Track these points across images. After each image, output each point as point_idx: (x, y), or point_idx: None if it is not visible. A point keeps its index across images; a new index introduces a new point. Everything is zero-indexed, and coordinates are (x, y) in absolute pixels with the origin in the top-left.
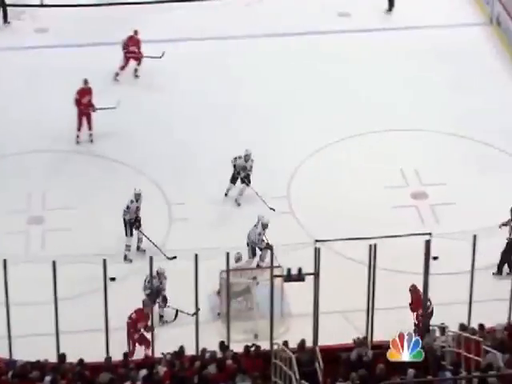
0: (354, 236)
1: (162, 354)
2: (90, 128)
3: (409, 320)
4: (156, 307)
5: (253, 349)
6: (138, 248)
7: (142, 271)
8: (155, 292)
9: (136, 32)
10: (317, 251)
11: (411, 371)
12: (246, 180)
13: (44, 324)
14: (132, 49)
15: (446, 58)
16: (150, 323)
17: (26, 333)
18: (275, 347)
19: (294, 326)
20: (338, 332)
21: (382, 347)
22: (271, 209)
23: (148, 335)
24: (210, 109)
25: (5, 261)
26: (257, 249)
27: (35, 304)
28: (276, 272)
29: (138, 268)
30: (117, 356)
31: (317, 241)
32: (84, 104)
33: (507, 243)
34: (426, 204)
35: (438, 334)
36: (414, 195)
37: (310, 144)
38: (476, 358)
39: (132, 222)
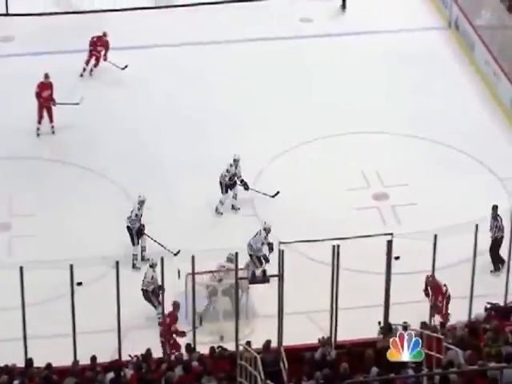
0: (317, 237)
1: (129, 356)
2: (51, 121)
3: (372, 319)
4: None
5: (218, 350)
6: (143, 258)
7: (105, 277)
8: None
9: (105, 34)
10: (281, 253)
11: (374, 369)
12: (243, 184)
13: (11, 329)
14: (99, 49)
15: (406, 62)
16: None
17: None
18: (240, 348)
19: (259, 327)
20: (302, 332)
21: (346, 347)
22: (275, 195)
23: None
24: (178, 112)
25: None
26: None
27: (3, 309)
28: (241, 274)
29: (103, 274)
30: (85, 360)
31: (281, 243)
32: (44, 97)
33: (492, 240)
34: (388, 205)
35: (400, 332)
36: (375, 196)
37: (274, 147)
38: (437, 355)
39: (139, 230)
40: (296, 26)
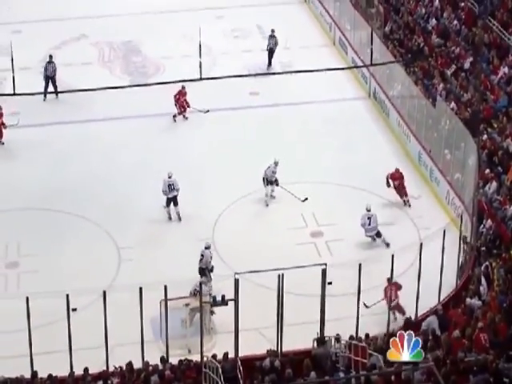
0: (266, 268)
1: (114, 366)
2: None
3: (310, 333)
4: None
5: (185, 362)
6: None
7: (94, 303)
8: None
9: (183, 87)
10: (236, 281)
11: (313, 373)
12: (276, 181)
13: (20, 347)
14: (181, 99)
15: (334, 125)
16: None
17: (4, 355)
18: (205, 359)
19: (220, 341)
20: (254, 345)
21: (289, 356)
22: (304, 199)
23: None
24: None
25: None
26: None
27: (12, 332)
28: (204, 299)
29: (92, 301)
30: (79, 370)
31: (236, 273)
32: None
33: None
34: (322, 241)
35: (333, 342)
36: (312, 234)
37: (227, 197)
38: (362, 360)
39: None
40: (247, 98)
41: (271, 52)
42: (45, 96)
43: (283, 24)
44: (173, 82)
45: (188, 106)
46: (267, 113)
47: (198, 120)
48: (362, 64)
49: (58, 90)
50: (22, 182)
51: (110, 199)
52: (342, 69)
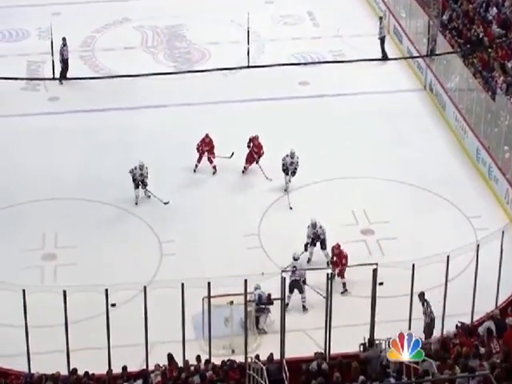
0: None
1: (157, 364)
2: None
3: (359, 335)
4: None
5: (228, 362)
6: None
7: (135, 299)
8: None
9: (207, 135)
10: (283, 280)
11: (361, 378)
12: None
13: (56, 343)
14: (205, 149)
15: (389, 118)
16: None
17: (40, 350)
18: (249, 360)
19: (265, 342)
20: (300, 346)
21: (337, 359)
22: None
23: None
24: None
25: (24, 291)
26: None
27: (49, 326)
28: (249, 297)
29: (133, 296)
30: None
31: (283, 271)
32: None
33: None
34: (373, 239)
35: (383, 346)
36: (363, 232)
37: (274, 191)
38: (414, 365)
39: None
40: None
41: (383, 41)
42: (61, 81)
43: (335, 11)
44: (219, 70)
45: (214, 157)
46: (316, 103)
47: (243, 110)
48: (417, 54)
49: (98, 75)
50: (60, 170)
51: (151, 191)
52: (396, 59)
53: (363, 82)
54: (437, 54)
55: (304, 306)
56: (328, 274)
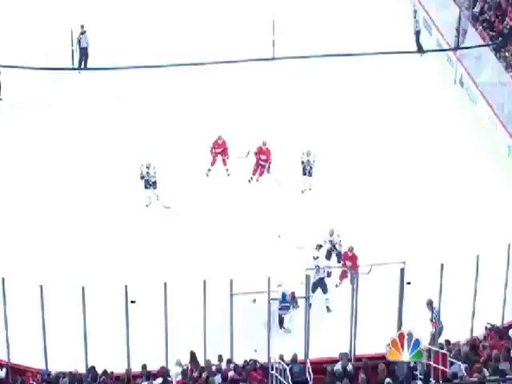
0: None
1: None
2: None
3: (385, 336)
4: None
5: (250, 362)
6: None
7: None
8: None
9: (220, 137)
10: (307, 278)
11: (387, 380)
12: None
13: (74, 340)
14: (218, 151)
15: (416, 113)
16: None
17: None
18: (272, 360)
19: (288, 342)
20: (325, 347)
21: (362, 360)
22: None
23: None
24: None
25: (41, 287)
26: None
27: (66, 323)
28: (273, 296)
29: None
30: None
31: (307, 269)
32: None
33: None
34: (400, 237)
35: None
36: (389, 230)
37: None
38: (443, 368)
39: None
40: None
41: (418, 35)
42: (79, 70)
43: (362, 2)
44: (242, 61)
45: (227, 158)
46: (343, 96)
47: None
48: (447, 47)
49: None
50: None
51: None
52: (432, 51)
53: (392, 75)
54: (467, 47)
55: (328, 307)
56: (352, 274)
